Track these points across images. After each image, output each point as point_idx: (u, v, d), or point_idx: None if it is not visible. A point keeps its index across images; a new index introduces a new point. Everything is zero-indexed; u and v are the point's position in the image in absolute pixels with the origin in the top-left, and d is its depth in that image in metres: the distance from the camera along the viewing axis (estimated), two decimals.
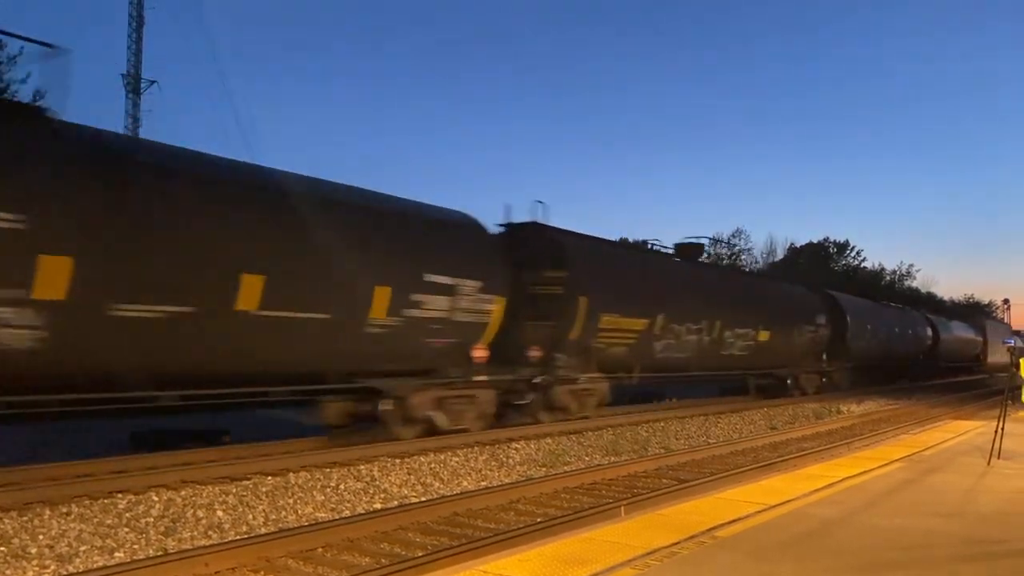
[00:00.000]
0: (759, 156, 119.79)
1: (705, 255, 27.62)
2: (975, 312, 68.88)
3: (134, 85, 33.66)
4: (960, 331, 48.19)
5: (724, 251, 56.87)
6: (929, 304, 57.80)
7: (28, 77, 23.35)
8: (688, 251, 22.00)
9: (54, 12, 65.31)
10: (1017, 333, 65.68)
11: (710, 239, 21.85)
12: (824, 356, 27.55)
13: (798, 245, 65.77)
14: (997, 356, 51.17)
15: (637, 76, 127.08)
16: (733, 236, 59.02)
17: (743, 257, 58.43)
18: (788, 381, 25.18)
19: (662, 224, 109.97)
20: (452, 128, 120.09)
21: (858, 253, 67.75)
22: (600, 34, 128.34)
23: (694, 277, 21.32)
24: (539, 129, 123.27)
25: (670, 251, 21.62)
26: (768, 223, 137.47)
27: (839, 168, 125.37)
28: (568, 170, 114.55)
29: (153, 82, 34.26)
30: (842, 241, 67.67)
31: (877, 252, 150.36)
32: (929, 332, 40.56)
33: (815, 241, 67.06)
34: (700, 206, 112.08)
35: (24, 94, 22.72)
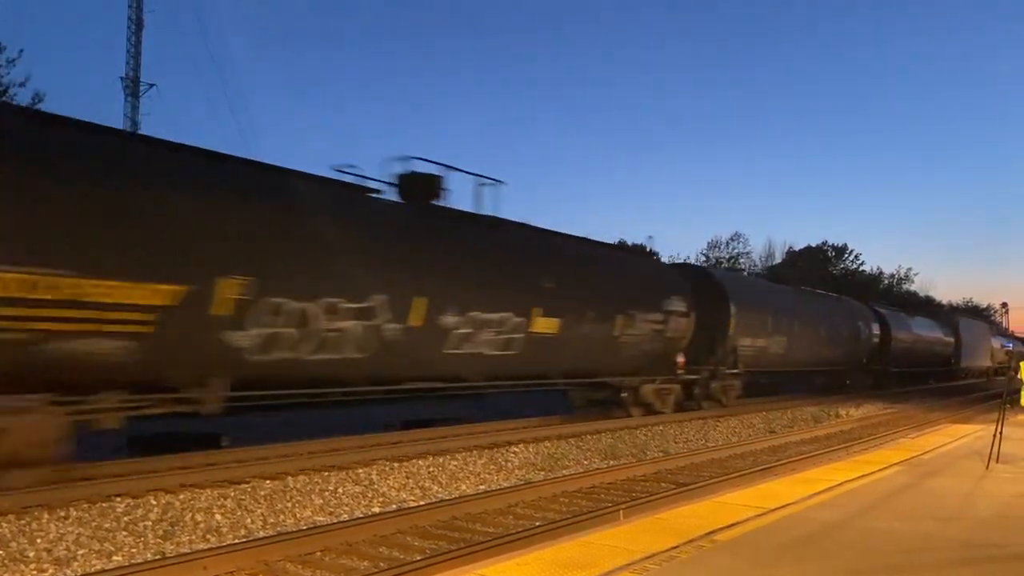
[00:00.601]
0: (758, 157, 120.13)
1: (703, 258, 23.02)
2: (952, 311, 66.46)
3: (133, 88, 33.68)
4: (923, 329, 39.23)
5: (723, 255, 56.97)
6: (927, 308, 57.54)
7: (27, 80, 23.35)
8: (416, 186, 13.03)
9: (54, 13, 65.38)
10: (1002, 335, 64.76)
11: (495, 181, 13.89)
12: (681, 358, 19.03)
13: (796, 249, 65.92)
14: (975, 360, 46.19)
15: (634, 76, 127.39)
16: (732, 239, 59.15)
17: (742, 260, 58.54)
18: (623, 395, 17.50)
19: (661, 226, 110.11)
20: (451, 127, 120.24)
21: (856, 256, 67.91)
22: (598, 33, 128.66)
23: (361, 213, 11.80)
24: (535, 129, 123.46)
25: (381, 185, 12.67)
26: (767, 226, 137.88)
27: (839, 169, 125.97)
28: (564, 170, 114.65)
29: (152, 85, 34.31)
30: (840, 245, 67.85)
31: (876, 255, 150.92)
32: (876, 329, 32.66)
33: (813, 245, 67.23)
34: (699, 206, 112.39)
35: (23, 97, 22.76)
